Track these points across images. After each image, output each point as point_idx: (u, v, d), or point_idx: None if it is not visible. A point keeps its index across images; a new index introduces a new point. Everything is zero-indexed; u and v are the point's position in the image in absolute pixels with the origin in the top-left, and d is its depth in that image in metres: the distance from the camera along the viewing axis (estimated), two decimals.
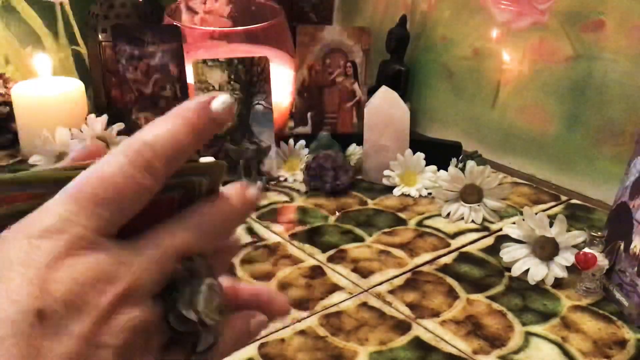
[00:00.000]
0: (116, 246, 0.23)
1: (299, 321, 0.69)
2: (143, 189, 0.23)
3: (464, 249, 0.84)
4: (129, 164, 0.23)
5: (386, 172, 0.96)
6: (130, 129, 0.99)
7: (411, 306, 0.71)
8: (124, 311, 0.23)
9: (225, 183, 0.27)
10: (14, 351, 0.20)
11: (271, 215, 0.91)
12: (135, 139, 0.24)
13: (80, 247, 0.22)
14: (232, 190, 0.27)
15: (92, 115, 1.00)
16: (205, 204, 0.26)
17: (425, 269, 0.79)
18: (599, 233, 0.73)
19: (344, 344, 0.65)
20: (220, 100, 0.25)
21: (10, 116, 1.07)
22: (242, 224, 0.26)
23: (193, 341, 0.25)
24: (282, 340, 0.66)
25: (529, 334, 0.68)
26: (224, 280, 0.29)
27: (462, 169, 0.89)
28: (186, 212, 0.26)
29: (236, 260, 0.79)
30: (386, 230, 0.88)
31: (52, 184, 0.24)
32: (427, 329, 0.68)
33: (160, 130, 0.24)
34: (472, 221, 0.89)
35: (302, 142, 1.01)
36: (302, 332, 0.67)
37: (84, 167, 0.24)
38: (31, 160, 0.99)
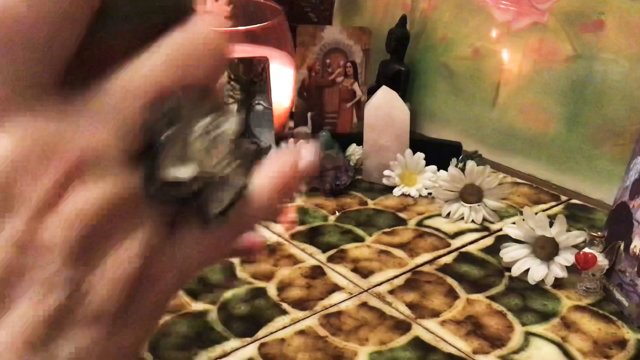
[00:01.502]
0: (54, 104, 0.17)
1: (299, 321, 0.69)
2: (66, 16, 0.16)
3: (464, 249, 0.84)
4: None
5: (386, 172, 0.96)
6: None
7: (411, 306, 0.71)
8: (77, 192, 0.16)
9: None
10: None
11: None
12: None
13: (1, 114, 0.16)
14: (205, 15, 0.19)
15: None
16: (179, 28, 0.19)
17: (425, 269, 0.79)
18: (599, 233, 0.73)
19: (344, 344, 0.65)
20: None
21: None
22: (226, 56, 0.18)
23: (203, 205, 0.18)
24: (282, 340, 0.66)
25: (529, 334, 0.68)
26: None
27: (462, 169, 0.89)
28: (154, 44, 0.18)
29: (236, 260, 0.79)
30: (386, 230, 0.88)
31: None
32: (427, 329, 0.68)
33: None
34: (472, 221, 0.89)
35: (302, 142, 1.01)
36: (302, 332, 0.67)
37: None
38: None
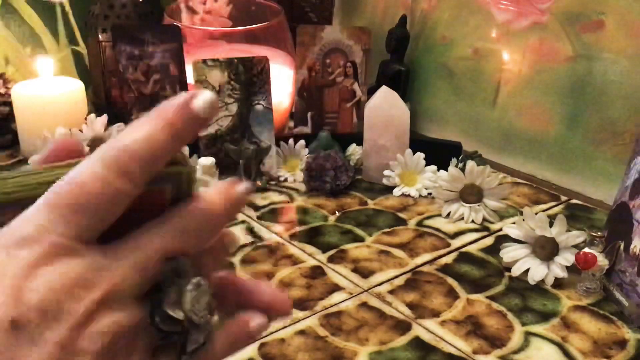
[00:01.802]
0: (94, 252, 0.23)
1: (299, 321, 0.69)
2: (120, 194, 0.23)
3: (464, 249, 0.84)
4: (104, 169, 0.23)
5: (386, 172, 0.96)
6: None
7: (411, 306, 0.71)
8: (103, 316, 0.23)
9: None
10: None
11: (271, 215, 0.91)
12: (111, 144, 0.24)
13: (56, 255, 0.22)
14: (215, 189, 0.27)
15: (92, 115, 1.00)
16: (185, 205, 0.26)
17: (425, 269, 0.79)
18: (599, 233, 0.73)
19: (344, 344, 0.65)
20: (202, 99, 0.25)
21: (10, 116, 1.07)
22: (230, 222, 0.28)
23: (182, 342, 0.25)
24: (282, 340, 0.66)
25: (529, 334, 0.68)
26: (224, 275, 0.29)
27: (462, 169, 0.89)
28: (166, 214, 0.25)
29: (236, 260, 0.79)
30: (386, 230, 0.88)
31: (33, 191, 0.24)
32: (427, 329, 0.68)
33: (138, 133, 0.24)
34: (472, 221, 0.89)
35: (302, 142, 1.01)
36: (302, 332, 0.67)
37: (61, 168, 0.24)
38: (31, 160, 0.99)
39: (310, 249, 0.83)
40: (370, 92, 1.05)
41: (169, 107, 0.25)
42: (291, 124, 1.12)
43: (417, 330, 0.68)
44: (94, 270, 0.23)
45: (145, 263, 0.24)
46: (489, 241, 0.86)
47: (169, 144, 0.24)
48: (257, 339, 0.65)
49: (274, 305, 0.31)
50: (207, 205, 0.26)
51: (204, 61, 0.97)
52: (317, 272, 0.78)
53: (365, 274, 0.77)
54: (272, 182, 1.00)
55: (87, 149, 0.28)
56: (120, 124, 1.00)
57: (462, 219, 0.90)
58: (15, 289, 0.22)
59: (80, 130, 0.99)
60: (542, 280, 0.75)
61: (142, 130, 0.24)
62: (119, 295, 0.23)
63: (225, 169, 0.96)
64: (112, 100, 1.14)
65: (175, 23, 1.06)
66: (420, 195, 0.96)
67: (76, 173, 0.23)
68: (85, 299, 0.22)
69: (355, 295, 0.73)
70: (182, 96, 0.25)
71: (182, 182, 0.26)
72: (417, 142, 0.99)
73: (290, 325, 0.68)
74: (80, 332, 0.22)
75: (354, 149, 1.03)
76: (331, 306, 0.71)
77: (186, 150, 0.89)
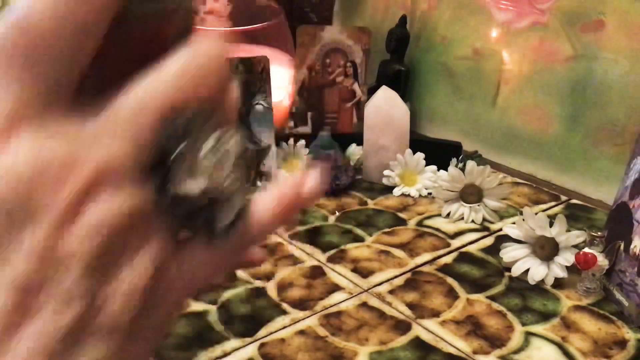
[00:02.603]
0: (70, 117, 0.17)
1: (299, 321, 0.69)
2: (86, 27, 0.17)
3: (464, 249, 0.84)
4: (55, 1, 0.16)
5: (386, 172, 0.96)
6: None
7: (411, 306, 0.71)
8: (94, 205, 0.17)
9: None
10: None
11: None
12: None
13: (18, 127, 0.16)
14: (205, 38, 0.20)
15: None
16: (186, 46, 0.19)
17: (425, 269, 0.79)
18: (599, 233, 0.73)
19: (344, 344, 0.65)
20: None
21: None
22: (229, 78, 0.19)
23: (209, 220, 0.19)
24: (282, 340, 0.66)
25: (529, 334, 0.68)
26: None
27: (462, 169, 0.89)
28: (168, 57, 0.18)
29: None
30: (386, 230, 0.88)
31: None
32: (427, 329, 0.68)
33: None
34: (472, 221, 0.89)
35: (302, 142, 1.01)
36: (302, 332, 0.67)
37: None
38: None
39: (310, 248, 0.83)
40: (370, 92, 1.05)
41: None
42: (291, 124, 1.12)
43: (417, 330, 0.68)
44: (73, 142, 0.17)
45: (145, 124, 0.18)
46: (489, 241, 0.86)
47: None
48: (257, 339, 0.65)
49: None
50: (211, 43, 0.19)
51: None
52: (317, 272, 0.78)
53: (365, 274, 0.77)
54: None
55: None
56: None
57: (462, 219, 0.90)
58: None
59: None
60: (542, 280, 0.75)
61: None
62: (114, 174, 0.17)
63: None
64: None
65: None
66: (420, 195, 0.96)
67: (18, 11, 0.17)
68: (65, 186, 0.16)
69: (355, 295, 0.73)
70: None
71: (179, 12, 0.19)
72: (417, 142, 0.99)
73: (290, 325, 0.68)
74: (64, 232, 0.16)
75: (354, 149, 1.03)
76: (331, 306, 0.71)
77: None
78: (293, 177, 0.22)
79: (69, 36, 0.17)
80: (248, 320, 0.68)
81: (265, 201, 0.21)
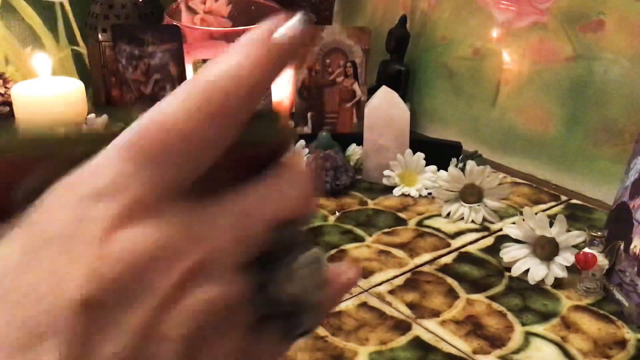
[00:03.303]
0: (185, 210, 0.19)
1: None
2: (214, 139, 0.19)
3: (464, 249, 0.84)
4: (194, 107, 0.18)
5: (386, 172, 0.96)
6: None
7: (411, 306, 0.71)
8: (194, 292, 0.18)
9: None
10: (54, 354, 0.16)
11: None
12: (196, 79, 0.19)
13: (138, 214, 0.18)
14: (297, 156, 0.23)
15: (92, 115, 1.00)
16: (291, 165, 0.21)
17: (425, 269, 0.79)
18: (599, 233, 0.73)
19: (344, 344, 0.65)
20: (287, 27, 0.21)
21: (10, 116, 1.07)
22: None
23: (289, 324, 0.21)
24: None
25: (529, 334, 0.68)
26: None
27: (462, 169, 0.89)
28: (272, 174, 0.21)
29: None
30: (386, 230, 0.88)
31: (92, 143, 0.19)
32: (427, 329, 0.68)
33: (224, 67, 0.19)
34: (472, 221, 0.89)
35: (302, 142, 1.01)
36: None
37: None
38: None
39: None
40: (370, 92, 1.05)
41: (253, 39, 0.20)
42: (291, 124, 1.12)
43: (417, 330, 0.68)
44: (184, 232, 0.18)
45: (251, 230, 0.20)
46: (489, 241, 0.85)
47: (263, 79, 0.19)
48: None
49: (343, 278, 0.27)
50: (305, 168, 0.22)
51: (204, 61, 0.97)
52: None
53: (365, 274, 0.77)
54: None
55: None
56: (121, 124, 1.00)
57: (462, 219, 0.90)
58: (88, 260, 0.17)
59: None
60: (542, 280, 0.75)
61: (229, 64, 0.19)
62: (216, 265, 0.19)
63: None
64: (112, 100, 1.14)
65: (175, 23, 1.06)
66: (420, 195, 0.96)
67: (157, 111, 0.18)
68: (173, 271, 0.18)
69: (355, 295, 0.73)
70: (263, 26, 0.21)
71: (283, 136, 0.22)
72: (417, 142, 0.99)
73: None
74: (165, 313, 0.18)
75: (354, 149, 1.03)
76: None
77: None
78: (344, 270, 0.24)
79: (203, 143, 0.18)
80: None
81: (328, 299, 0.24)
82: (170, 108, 0.18)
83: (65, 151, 0.19)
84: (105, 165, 0.18)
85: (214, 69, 0.19)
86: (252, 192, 0.20)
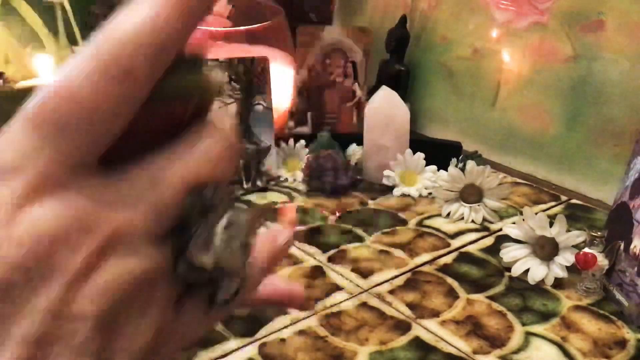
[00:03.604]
0: (94, 183, 0.18)
1: (299, 321, 0.69)
2: (123, 103, 0.18)
3: (464, 249, 0.84)
4: (101, 69, 0.17)
5: (386, 172, 0.96)
6: None
7: (411, 306, 0.71)
8: (107, 267, 0.17)
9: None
10: None
11: (271, 215, 0.91)
12: (105, 35, 0.18)
13: (45, 189, 0.17)
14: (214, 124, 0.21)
15: None
16: (209, 123, 0.20)
17: (425, 269, 0.79)
18: (599, 233, 0.73)
19: (344, 344, 0.65)
20: None
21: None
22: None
23: (211, 291, 0.21)
24: (282, 340, 0.66)
25: (529, 334, 0.68)
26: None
27: (462, 169, 0.89)
28: (187, 135, 0.20)
29: None
30: (386, 230, 0.88)
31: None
32: (427, 329, 0.68)
33: (138, 15, 0.18)
34: (472, 221, 0.89)
35: (302, 142, 1.01)
36: (302, 332, 0.67)
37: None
38: None
39: (310, 249, 0.83)
40: (370, 92, 1.05)
41: None
42: (291, 124, 1.12)
43: (417, 330, 0.68)
44: (95, 206, 0.18)
45: (163, 196, 0.19)
46: (489, 241, 0.86)
47: (180, 26, 0.18)
48: (257, 339, 0.65)
49: (293, 297, 0.27)
50: (230, 131, 0.21)
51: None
52: (317, 272, 0.78)
53: (365, 274, 0.77)
54: (272, 182, 1.00)
55: None
56: None
57: (462, 219, 0.90)
58: None
59: None
60: (542, 280, 0.75)
61: (142, 11, 0.18)
62: (129, 238, 0.18)
63: None
64: None
65: None
66: (420, 195, 0.96)
67: (62, 77, 0.17)
68: (80, 247, 0.17)
69: (355, 295, 0.73)
70: None
71: (202, 92, 0.20)
72: (417, 142, 0.99)
73: (290, 325, 0.68)
74: (77, 291, 0.17)
75: (354, 149, 1.03)
76: (331, 306, 0.71)
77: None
78: (275, 233, 0.25)
79: (107, 108, 0.17)
80: (248, 320, 0.68)
81: (257, 266, 0.23)
82: (76, 72, 0.17)
83: None
84: (7, 140, 0.17)
85: (125, 21, 0.18)
86: (165, 154, 0.19)
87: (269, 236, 0.24)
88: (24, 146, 0.17)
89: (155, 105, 0.18)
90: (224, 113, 0.20)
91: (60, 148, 0.17)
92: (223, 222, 0.20)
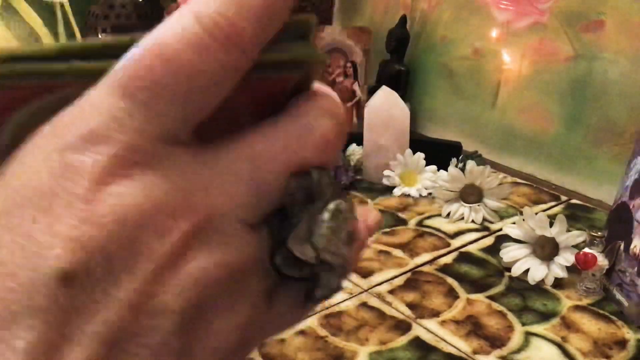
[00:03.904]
0: (187, 158, 0.16)
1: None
2: (226, 71, 0.15)
3: (464, 249, 0.84)
4: (203, 32, 0.15)
5: (386, 172, 0.96)
6: None
7: (411, 306, 0.71)
8: (197, 257, 0.15)
9: None
10: (30, 335, 0.14)
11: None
12: None
13: (131, 164, 0.15)
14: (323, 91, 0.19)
15: None
16: (315, 100, 0.18)
17: (425, 269, 0.79)
18: (599, 233, 0.73)
19: (344, 344, 0.65)
20: None
21: None
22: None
23: (310, 286, 0.18)
24: (282, 340, 0.66)
25: (529, 334, 0.68)
26: None
27: (462, 169, 0.89)
28: (289, 112, 0.17)
29: None
30: (386, 230, 0.88)
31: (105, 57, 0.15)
32: (427, 329, 0.68)
33: None
34: (472, 221, 0.89)
35: None
36: (302, 332, 0.67)
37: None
38: None
39: None
40: (370, 92, 1.05)
41: None
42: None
43: (417, 330, 0.68)
44: (187, 186, 0.15)
45: (265, 178, 0.16)
46: (489, 241, 0.85)
47: None
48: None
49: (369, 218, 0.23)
50: (336, 103, 0.18)
51: None
52: None
53: (365, 274, 0.77)
54: None
55: None
56: None
57: (462, 219, 0.90)
58: (70, 223, 0.14)
59: None
60: (542, 280, 0.75)
61: None
62: (224, 224, 0.16)
63: None
64: None
65: None
66: (420, 195, 0.96)
67: (157, 38, 0.15)
68: (170, 232, 0.15)
69: (355, 295, 0.73)
70: None
71: (310, 64, 0.18)
72: (417, 142, 0.99)
73: None
74: (161, 283, 0.15)
75: (354, 149, 1.03)
76: (331, 306, 0.71)
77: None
78: (365, 211, 0.22)
79: (209, 75, 0.15)
80: None
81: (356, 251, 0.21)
82: (173, 32, 0.15)
83: (65, 76, 0.16)
84: (93, 105, 0.15)
85: None
86: (268, 131, 0.17)
87: (361, 215, 0.21)
88: (111, 112, 0.15)
89: (258, 75, 0.16)
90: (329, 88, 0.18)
91: (151, 117, 0.15)
92: (329, 210, 0.17)
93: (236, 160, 0.16)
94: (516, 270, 0.77)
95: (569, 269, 0.75)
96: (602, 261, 0.71)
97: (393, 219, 0.91)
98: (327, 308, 0.71)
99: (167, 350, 0.15)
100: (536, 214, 0.76)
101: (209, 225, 0.15)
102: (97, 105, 0.15)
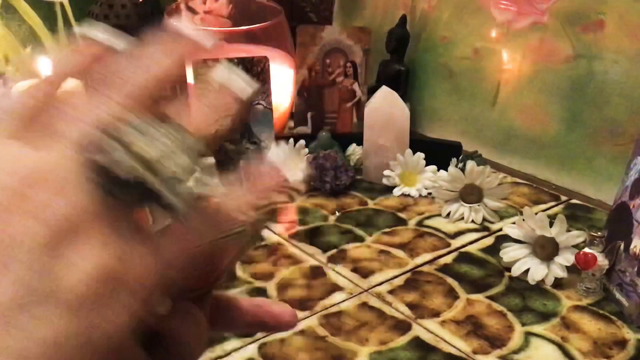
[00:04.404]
0: None
1: (299, 321, 0.69)
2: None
3: (464, 249, 0.84)
4: None
5: (386, 172, 0.96)
6: None
7: (411, 306, 0.71)
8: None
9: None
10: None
11: (272, 215, 0.91)
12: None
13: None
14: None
15: None
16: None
17: (425, 269, 0.79)
18: (599, 233, 0.73)
19: (344, 344, 0.65)
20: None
21: None
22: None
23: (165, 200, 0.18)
24: (282, 340, 0.66)
25: (529, 334, 0.68)
26: (228, 299, 0.25)
27: (462, 169, 0.89)
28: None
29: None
30: (386, 230, 0.88)
31: None
32: (427, 329, 0.68)
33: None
34: (472, 221, 0.89)
35: (302, 142, 1.01)
36: (302, 332, 0.67)
37: None
38: None
39: (310, 249, 0.83)
40: (370, 92, 1.05)
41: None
42: (291, 124, 1.12)
43: (417, 330, 0.68)
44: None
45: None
46: (489, 241, 0.85)
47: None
48: (257, 338, 0.65)
49: (282, 317, 0.27)
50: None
51: (204, 61, 0.97)
52: (317, 272, 0.78)
53: (365, 274, 0.77)
54: None
55: None
56: None
57: (462, 219, 0.90)
58: None
59: None
60: (542, 280, 0.75)
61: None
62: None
63: (224, 169, 0.96)
64: None
65: None
66: (420, 195, 0.96)
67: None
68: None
69: (355, 295, 0.73)
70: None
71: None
72: (417, 142, 0.99)
73: None
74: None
75: (354, 149, 1.03)
76: (331, 306, 0.71)
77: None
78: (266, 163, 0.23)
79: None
80: None
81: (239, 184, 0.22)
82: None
83: None
84: None
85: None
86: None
87: (263, 171, 0.23)
88: None
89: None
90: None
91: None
92: (169, 125, 0.18)
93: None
94: (516, 270, 0.77)
95: (569, 269, 0.75)
96: (602, 261, 0.71)
97: (393, 219, 0.91)
98: (327, 308, 0.71)
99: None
100: (536, 214, 0.76)
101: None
102: None
